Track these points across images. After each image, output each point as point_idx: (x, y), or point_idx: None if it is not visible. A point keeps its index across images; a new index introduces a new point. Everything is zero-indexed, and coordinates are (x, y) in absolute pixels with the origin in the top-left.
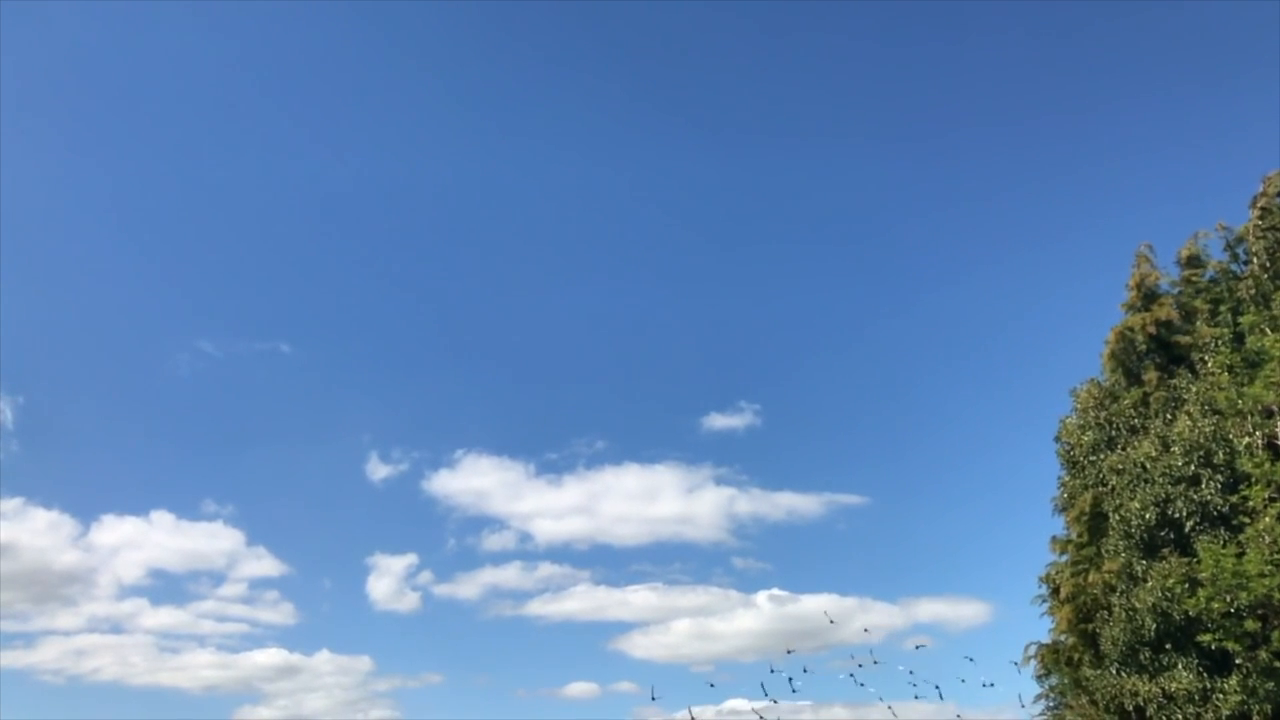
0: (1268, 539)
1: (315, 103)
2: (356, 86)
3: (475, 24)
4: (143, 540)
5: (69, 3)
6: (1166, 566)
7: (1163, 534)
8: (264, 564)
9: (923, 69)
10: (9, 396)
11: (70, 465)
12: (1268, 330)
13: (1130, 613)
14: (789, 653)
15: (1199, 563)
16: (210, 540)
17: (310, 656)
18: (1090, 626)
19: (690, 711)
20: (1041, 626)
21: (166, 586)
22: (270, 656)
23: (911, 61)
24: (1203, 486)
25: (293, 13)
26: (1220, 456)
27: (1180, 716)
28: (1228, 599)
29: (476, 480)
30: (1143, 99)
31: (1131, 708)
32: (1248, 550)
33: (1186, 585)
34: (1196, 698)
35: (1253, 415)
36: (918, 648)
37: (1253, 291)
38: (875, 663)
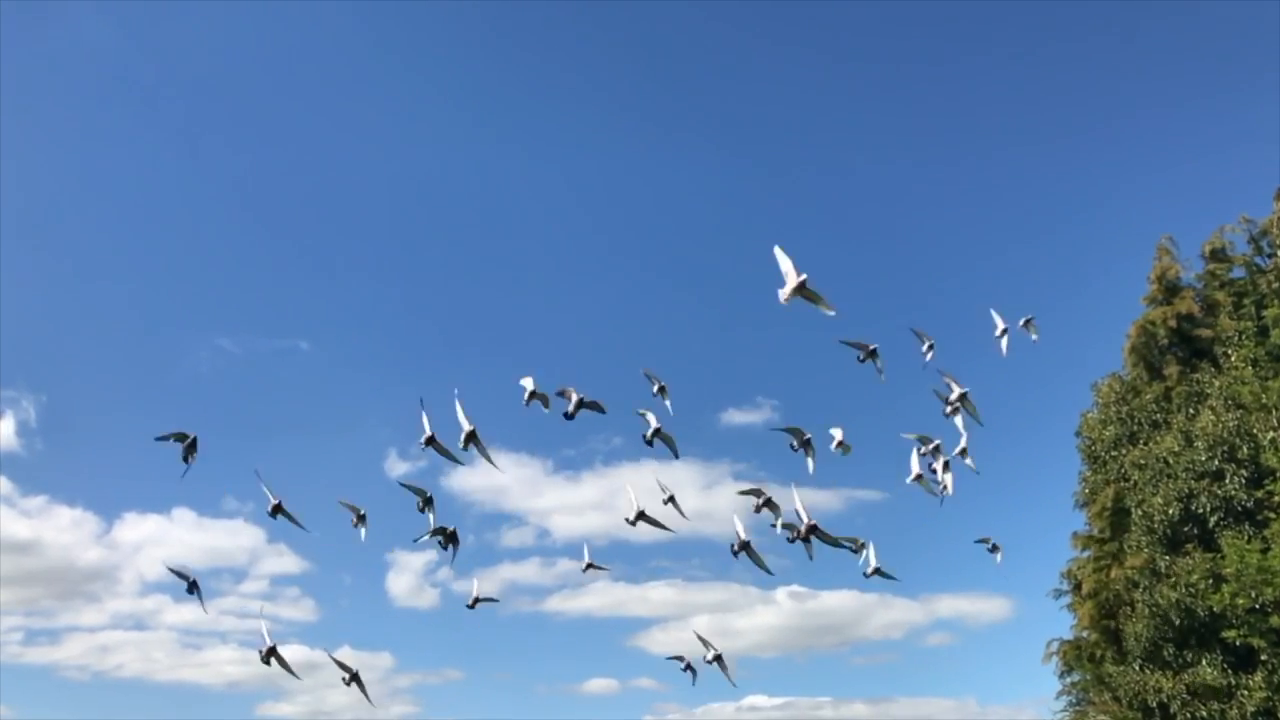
0: None
1: (333, 102)
2: (374, 85)
3: (495, 27)
4: (165, 537)
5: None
6: (1190, 562)
7: (1186, 529)
8: (284, 561)
9: (942, 65)
10: (31, 395)
11: (93, 463)
12: None
13: (1153, 609)
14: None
15: (1223, 558)
16: (231, 537)
17: (331, 653)
18: (1113, 622)
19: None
20: (1063, 622)
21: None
22: (291, 653)
23: (931, 57)
24: (1226, 481)
25: (309, 12)
26: (1244, 451)
27: (1204, 713)
28: (1252, 595)
29: (494, 477)
30: (1165, 92)
31: (1155, 704)
32: (1272, 546)
33: (1210, 581)
34: (1221, 694)
35: (1277, 409)
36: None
37: (1275, 285)
38: None
